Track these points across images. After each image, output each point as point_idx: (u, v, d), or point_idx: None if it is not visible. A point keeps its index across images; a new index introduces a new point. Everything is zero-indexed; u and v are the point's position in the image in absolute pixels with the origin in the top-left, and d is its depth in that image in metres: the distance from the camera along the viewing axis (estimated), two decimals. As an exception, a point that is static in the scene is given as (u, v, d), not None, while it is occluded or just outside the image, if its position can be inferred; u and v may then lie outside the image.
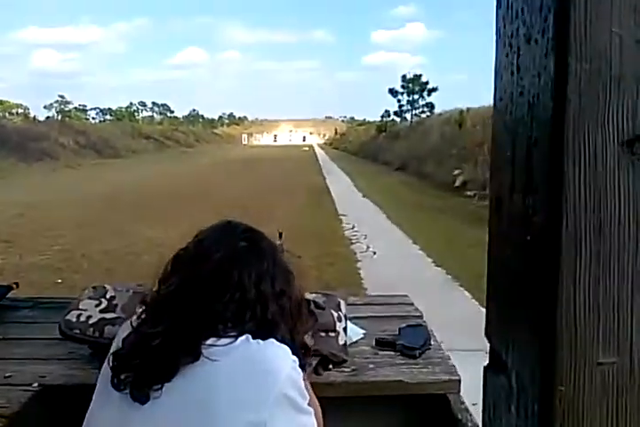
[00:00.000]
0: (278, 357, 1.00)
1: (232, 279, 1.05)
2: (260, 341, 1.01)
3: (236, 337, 1.00)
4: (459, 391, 1.42)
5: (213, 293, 1.04)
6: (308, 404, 1.02)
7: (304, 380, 1.04)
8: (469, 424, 1.31)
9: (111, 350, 1.11)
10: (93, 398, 1.09)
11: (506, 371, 0.51)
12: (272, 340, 1.03)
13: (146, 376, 0.97)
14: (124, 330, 1.10)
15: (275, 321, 1.06)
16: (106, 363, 1.10)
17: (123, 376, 0.99)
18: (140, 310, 1.10)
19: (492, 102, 0.55)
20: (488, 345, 0.57)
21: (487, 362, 0.56)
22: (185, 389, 0.95)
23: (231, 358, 0.97)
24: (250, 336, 1.01)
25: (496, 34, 0.56)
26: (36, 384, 1.41)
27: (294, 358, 1.02)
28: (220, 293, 1.03)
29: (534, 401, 0.45)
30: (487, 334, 0.56)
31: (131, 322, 1.08)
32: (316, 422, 1.04)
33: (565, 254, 0.43)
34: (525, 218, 0.47)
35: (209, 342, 0.98)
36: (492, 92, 0.57)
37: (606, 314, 0.44)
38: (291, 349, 1.03)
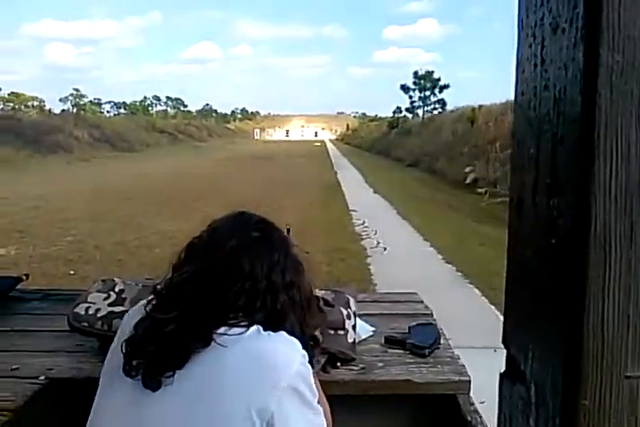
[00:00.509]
0: (288, 351, 1.00)
1: (243, 269, 1.04)
2: (270, 333, 1.01)
3: (247, 327, 1.00)
4: (469, 392, 1.39)
5: (225, 281, 1.04)
6: (318, 402, 1.01)
7: (314, 376, 1.04)
8: (479, 426, 1.29)
9: (118, 336, 1.11)
10: (100, 386, 1.08)
11: (524, 381, 0.48)
12: (282, 333, 1.03)
13: (158, 363, 0.97)
14: (133, 316, 1.10)
15: (284, 312, 1.06)
16: (111, 352, 1.11)
17: (135, 363, 0.99)
18: (152, 296, 1.10)
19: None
20: (505, 352, 0.54)
21: (504, 369, 0.54)
22: (196, 376, 0.95)
23: (241, 347, 0.97)
24: (261, 328, 1.01)
25: (518, 24, 0.53)
26: (42, 377, 1.40)
27: (304, 352, 1.02)
28: (231, 281, 1.04)
29: (556, 415, 0.42)
30: (504, 341, 0.53)
31: (144, 308, 1.08)
32: (325, 422, 1.02)
33: (593, 260, 0.40)
34: (550, 220, 0.44)
35: (220, 330, 0.99)
36: (514, 85, 0.54)
37: (636, 324, 0.41)
38: (300, 342, 1.03)
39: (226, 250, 1.06)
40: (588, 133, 0.40)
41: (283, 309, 1.06)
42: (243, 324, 1.00)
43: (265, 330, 1.01)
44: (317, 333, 1.35)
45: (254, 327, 1.00)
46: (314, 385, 1.01)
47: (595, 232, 0.40)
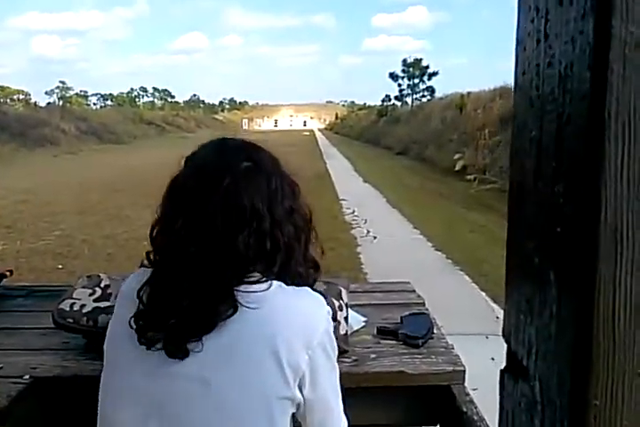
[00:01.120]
0: (316, 308, 0.98)
1: (245, 208, 0.93)
2: (294, 288, 0.97)
3: (269, 282, 0.95)
4: (463, 382, 1.38)
5: (230, 229, 0.92)
6: None
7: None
8: (475, 417, 1.27)
9: (119, 307, 1.05)
10: (107, 362, 1.03)
11: (527, 378, 0.45)
12: (307, 288, 1.00)
13: (181, 333, 0.91)
14: (135, 285, 0.98)
15: (291, 245, 0.98)
16: (113, 325, 1.05)
17: (150, 334, 0.93)
18: (149, 258, 1.00)
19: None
20: (505, 346, 0.51)
21: (504, 365, 0.51)
22: (224, 338, 0.91)
23: (268, 306, 0.93)
24: (283, 284, 0.96)
25: (518, -2, 0.49)
26: (27, 376, 1.37)
27: (328, 308, 1.00)
28: (237, 228, 0.92)
29: (564, 417, 0.39)
30: (505, 334, 0.50)
31: (150, 277, 0.97)
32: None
33: (603, 250, 0.37)
34: (554, 208, 0.41)
35: (242, 288, 0.92)
36: (513, 65, 0.50)
37: (651, 319, 0.38)
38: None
39: (221, 191, 0.92)
40: (597, 112, 0.36)
41: (289, 241, 0.97)
42: (262, 280, 0.94)
43: (281, 275, 0.97)
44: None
45: (276, 283, 0.95)
46: (335, 341, 1.01)
47: (605, 220, 0.37)
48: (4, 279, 2.06)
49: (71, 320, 1.50)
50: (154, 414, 0.94)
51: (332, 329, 1.00)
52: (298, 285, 1.00)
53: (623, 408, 0.38)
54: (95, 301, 1.53)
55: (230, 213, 0.92)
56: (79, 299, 1.54)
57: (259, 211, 0.93)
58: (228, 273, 0.92)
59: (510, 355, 0.50)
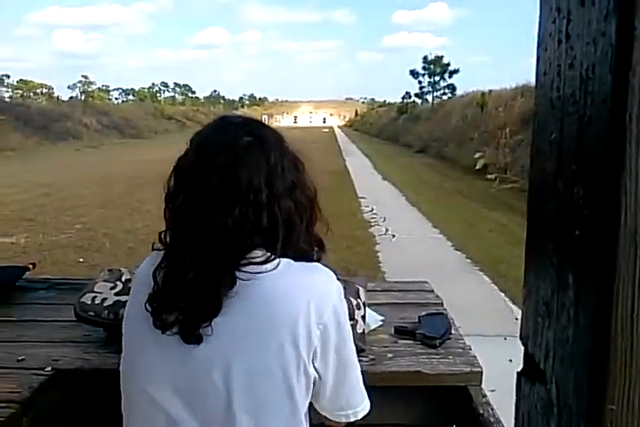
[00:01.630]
0: (326, 285, 0.99)
1: (242, 183, 0.94)
2: (303, 264, 0.98)
3: (277, 260, 0.95)
4: (480, 384, 1.37)
5: (226, 204, 0.94)
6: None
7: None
8: (491, 419, 1.26)
9: (135, 288, 1.07)
10: (126, 347, 1.04)
11: (544, 381, 0.45)
12: (317, 264, 1.01)
13: (192, 317, 0.92)
14: (148, 268, 1.01)
15: (292, 220, 0.99)
16: (130, 306, 1.07)
17: (165, 317, 0.94)
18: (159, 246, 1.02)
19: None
20: (522, 349, 0.51)
21: (521, 367, 0.51)
22: (233, 319, 0.92)
23: (279, 285, 0.94)
24: (291, 261, 0.97)
25: (540, -2, 0.49)
26: (49, 368, 1.39)
27: (339, 284, 1.01)
28: (233, 202, 0.94)
29: (580, 421, 0.39)
30: (522, 337, 0.50)
31: (162, 257, 0.99)
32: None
33: (622, 254, 0.37)
34: (574, 210, 0.41)
35: (250, 268, 0.93)
36: (534, 65, 0.50)
37: (670, 324, 0.37)
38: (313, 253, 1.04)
39: (218, 167, 0.95)
40: (618, 115, 0.36)
41: (290, 217, 0.98)
42: (271, 258, 0.95)
43: (283, 249, 0.97)
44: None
45: (284, 261, 0.96)
46: (347, 315, 1.02)
47: (625, 224, 0.37)
48: (27, 272, 2.10)
49: (92, 313, 1.53)
50: (177, 395, 0.95)
51: (344, 305, 1.01)
52: (304, 261, 1.01)
53: (639, 414, 0.38)
54: (116, 294, 1.55)
55: (226, 188, 0.94)
56: (100, 292, 1.57)
57: (255, 185, 0.94)
58: (227, 247, 0.93)
59: (527, 358, 0.50)
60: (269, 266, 0.94)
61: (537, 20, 0.48)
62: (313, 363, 0.96)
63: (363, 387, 1.08)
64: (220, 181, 0.94)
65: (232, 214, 0.93)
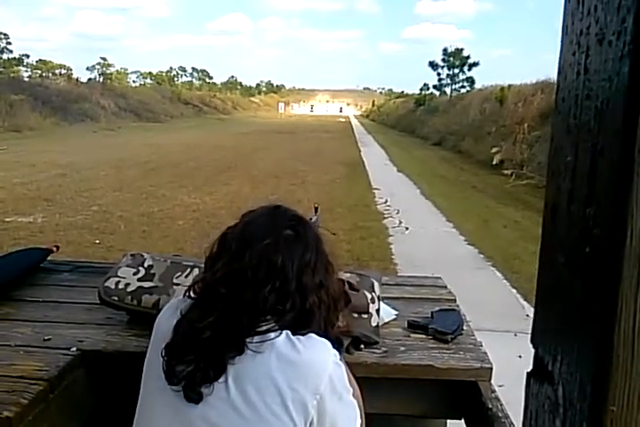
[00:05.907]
0: (322, 355, 1.03)
1: (276, 268, 1.04)
2: (300, 337, 1.03)
3: (278, 331, 1.02)
4: (490, 379, 1.41)
5: (258, 282, 1.03)
6: (352, 394, 1.06)
7: (345, 368, 1.07)
8: (499, 414, 1.31)
9: (155, 335, 1.13)
10: (143, 389, 1.11)
11: (552, 381, 0.50)
12: (312, 335, 1.05)
13: (197, 375, 0.99)
14: (170, 316, 1.10)
15: (312, 312, 1.07)
16: (151, 351, 1.12)
17: (175, 369, 1.01)
18: (190, 294, 1.12)
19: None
20: (533, 351, 0.56)
21: (531, 368, 0.55)
22: (232, 384, 0.98)
23: (276, 354, 1.00)
24: (289, 333, 1.03)
25: (562, 30, 0.52)
26: (74, 349, 1.44)
27: (335, 351, 1.05)
28: (264, 282, 1.03)
29: (583, 419, 0.44)
30: (533, 340, 0.55)
31: (180, 311, 1.08)
32: (358, 412, 1.07)
33: (626, 273, 0.41)
34: (585, 229, 0.45)
35: (254, 339, 1.00)
36: (555, 90, 0.54)
37: (667, 336, 0.42)
38: (328, 339, 1.06)
39: (259, 249, 1.05)
40: (628, 148, 0.40)
41: (311, 309, 1.06)
42: (273, 329, 1.02)
43: (292, 330, 1.03)
44: (341, 316, 1.37)
45: (284, 333, 1.02)
46: (347, 381, 1.05)
47: (630, 245, 0.41)
48: (51, 254, 2.17)
49: (116, 298, 1.58)
50: None
51: (342, 371, 1.05)
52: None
53: (637, 415, 0.43)
54: (139, 280, 1.60)
55: (261, 267, 1.04)
56: (124, 277, 1.62)
57: (287, 274, 1.04)
58: (244, 321, 1.02)
59: (537, 360, 0.54)
60: (271, 335, 1.01)
61: (558, 49, 0.52)
62: None
63: None
64: (258, 261, 1.04)
65: (259, 294, 1.02)
